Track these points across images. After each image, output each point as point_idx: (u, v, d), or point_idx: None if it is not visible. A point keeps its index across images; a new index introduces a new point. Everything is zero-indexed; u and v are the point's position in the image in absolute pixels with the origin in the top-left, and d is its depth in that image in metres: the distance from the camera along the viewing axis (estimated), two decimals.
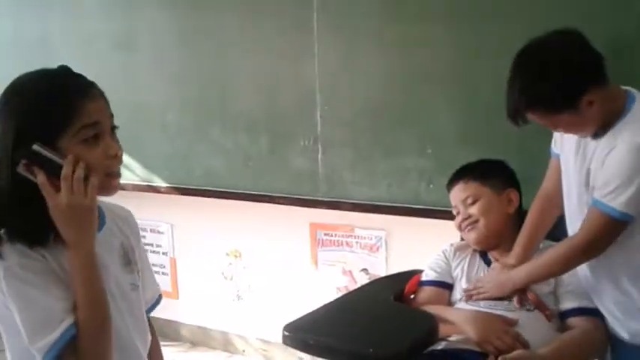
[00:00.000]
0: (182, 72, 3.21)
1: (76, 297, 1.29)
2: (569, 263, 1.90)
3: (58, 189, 1.26)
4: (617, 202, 1.71)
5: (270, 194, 3.07)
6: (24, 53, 3.54)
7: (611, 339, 1.95)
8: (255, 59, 2.99)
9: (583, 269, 1.95)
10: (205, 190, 3.25)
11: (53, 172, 1.25)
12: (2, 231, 1.28)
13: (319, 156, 2.90)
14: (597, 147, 1.81)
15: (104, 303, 1.32)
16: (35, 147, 1.25)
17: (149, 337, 1.55)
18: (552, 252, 1.91)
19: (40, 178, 1.25)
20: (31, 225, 1.28)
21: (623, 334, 1.90)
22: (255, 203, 3.14)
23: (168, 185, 3.33)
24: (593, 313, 1.95)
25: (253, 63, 3.01)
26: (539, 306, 1.96)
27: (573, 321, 1.95)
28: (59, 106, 1.27)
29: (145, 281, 1.55)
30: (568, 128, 1.83)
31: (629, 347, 1.90)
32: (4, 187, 1.28)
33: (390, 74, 2.70)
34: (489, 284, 2.03)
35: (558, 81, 1.72)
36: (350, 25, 2.74)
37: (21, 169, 1.25)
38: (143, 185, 3.27)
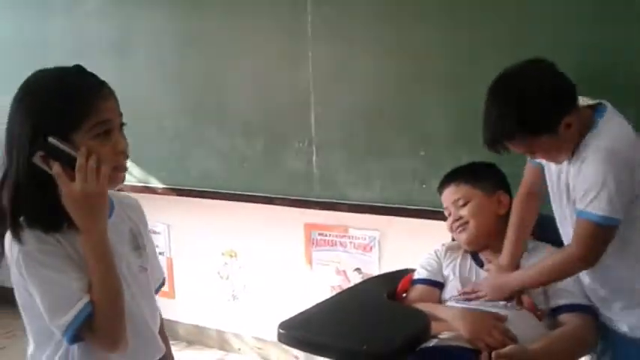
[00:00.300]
0: (179, 75, 3.24)
1: (91, 278, 1.37)
2: (565, 273, 1.94)
3: (71, 179, 1.34)
4: (600, 208, 1.74)
5: (265, 195, 3.09)
6: (22, 54, 3.57)
7: (611, 333, 1.98)
8: (250, 62, 3.01)
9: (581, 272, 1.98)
10: (201, 191, 3.28)
11: (67, 163, 1.33)
12: (21, 218, 1.36)
13: (314, 157, 2.92)
14: (571, 163, 1.86)
15: (117, 283, 1.40)
16: (51, 140, 1.33)
17: (159, 316, 1.65)
18: (549, 262, 1.94)
19: (56, 168, 1.33)
20: (46, 213, 1.36)
21: (624, 328, 1.93)
22: (251, 204, 3.16)
23: (164, 186, 3.35)
24: (584, 310, 1.97)
25: (248, 66, 3.03)
26: (532, 308, 1.99)
27: (564, 317, 1.97)
28: (75, 105, 1.35)
29: (151, 266, 1.64)
30: (546, 153, 1.87)
31: (629, 340, 1.93)
32: (21, 179, 1.36)
33: (384, 77, 2.71)
34: (487, 288, 2.05)
35: (539, 105, 1.76)
36: (343, 28, 2.76)
37: (37, 160, 1.33)
38: (140, 186, 3.27)
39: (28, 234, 1.36)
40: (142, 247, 1.61)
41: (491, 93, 1.84)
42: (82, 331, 1.36)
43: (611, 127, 1.80)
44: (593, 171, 1.75)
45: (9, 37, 3.71)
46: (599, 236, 1.79)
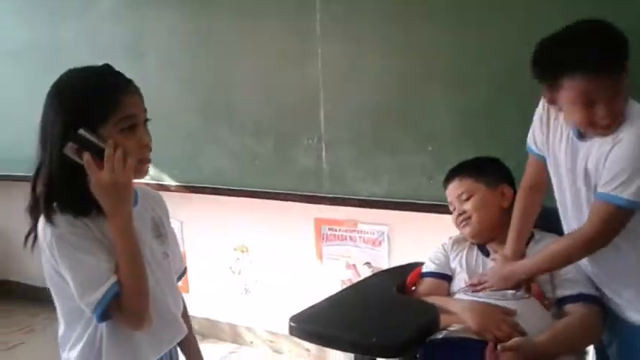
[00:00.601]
0: (191, 75, 3.28)
1: (118, 260, 1.47)
2: (576, 256, 1.92)
3: (99, 168, 1.43)
4: (628, 193, 1.73)
5: (275, 191, 3.12)
6: (38, 58, 3.64)
7: (619, 323, 1.97)
8: (261, 62, 3.04)
9: (584, 258, 1.96)
10: (214, 188, 3.31)
11: (96, 154, 1.44)
12: (55, 204, 1.47)
13: (323, 154, 2.95)
14: (592, 147, 1.84)
15: (142, 264, 1.50)
16: (81, 131, 1.43)
17: (181, 300, 1.76)
18: (558, 245, 1.93)
19: (86, 157, 1.43)
20: (76, 199, 1.47)
21: (634, 315, 1.92)
22: (262, 200, 3.19)
23: (178, 184, 3.39)
24: (590, 300, 1.97)
25: (259, 65, 3.05)
26: (540, 296, 1.99)
27: (570, 307, 1.97)
28: (103, 100, 1.46)
29: (173, 254, 1.75)
30: (615, 95, 1.77)
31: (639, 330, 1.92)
32: (54, 169, 1.46)
33: (392, 74, 2.73)
34: (494, 278, 2.05)
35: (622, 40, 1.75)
36: (351, 26, 2.79)
37: (68, 151, 1.43)
38: (153, 184, 3.28)
39: (60, 218, 1.46)
40: (163, 234, 1.71)
41: (570, 28, 1.81)
42: (111, 308, 1.46)
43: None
44: (627, 155, 1.74)
45: (25, 41, 3.76)
46: (619, 219, 1.78)
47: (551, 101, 1.88)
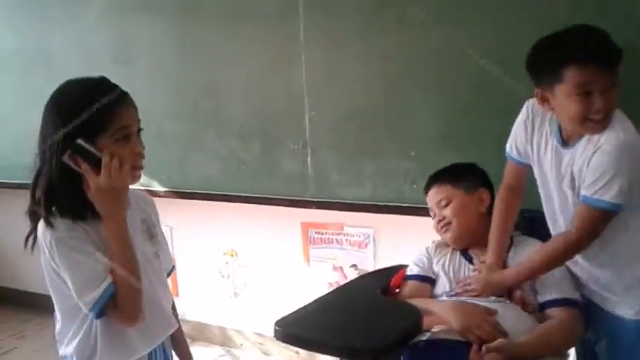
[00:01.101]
0: (178, 82, 3.29)
1: (113, 260, 1.56)
2: (561, 259, 1.96)
3: (97, 174, 1.53)
4: (609, 195, 1.77)
5: (263, 196, 3.15)
6: (25, 67, 3.62)
7: (608, 320, 2.00)
8: (246, 69, 3.06)
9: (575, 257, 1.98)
10: (202, 193, 3.33)
11: (93, 162, 1.54)
12: (54, 208, 1.56)
13: (308, 159, 2.97)
14: (576, 152, 1.88)
15: (135, 265, 1.59)
16: (79, 141, 1.53)
17: (171, 296, 1.86)
18: (542, 252, 1.96)
19: (84, 166, 1.53)
20: (74, 204, 1.56)
21: (627, 310, 1.95)
22: (249, 205, 3.22)
23: (166, 189, 3.41)
24: (571, 304, 2.00)
25: (244, 72, 3.07)
26: (523, 303, 2.02)
27: (552, 311, 1.99)
28: (102, 112, 1.55)
29: (163, 253, 1.85)
30: (613, 93, 1.82)
31: (634, 324, 1.94)
32: (53, 176, 1.55)
33: (375, 80, 2.76)
34: (479, 284, 2.07)
35: None
36: (334, 33, 2.81)
37: (66, 159, 1.53)
38: (142, 190, 3.29)
39: (59, 222, 1.56)
40: (154, 235, 1.81)
41: (581, 25, 1.86)
42: (107, 307, 1.55)
43: (620, 118, 1.83)
44: (608, 158, 1.78)
45: (13, 50, 3.75)
46: (603, 222, 1.82)
47: (544, 100, 1.90)
